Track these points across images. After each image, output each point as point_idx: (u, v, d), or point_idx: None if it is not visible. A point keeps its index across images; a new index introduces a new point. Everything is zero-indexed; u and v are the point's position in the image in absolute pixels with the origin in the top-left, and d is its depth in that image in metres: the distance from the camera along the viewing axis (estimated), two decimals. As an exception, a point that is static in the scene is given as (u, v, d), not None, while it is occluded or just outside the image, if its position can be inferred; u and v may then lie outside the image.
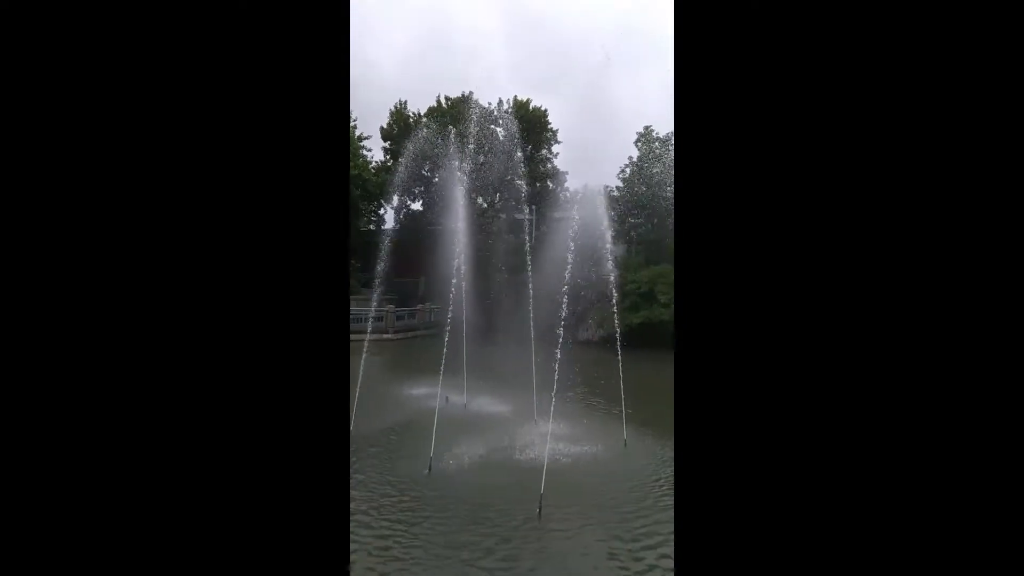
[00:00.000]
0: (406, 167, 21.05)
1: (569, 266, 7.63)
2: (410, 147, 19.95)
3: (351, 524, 5.57)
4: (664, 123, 24.73)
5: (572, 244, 7.89)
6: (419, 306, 22.98)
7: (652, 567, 4.96)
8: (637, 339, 16.32)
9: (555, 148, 28.25)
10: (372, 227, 28.69)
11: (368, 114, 33.04)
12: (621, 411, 8.91)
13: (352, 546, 5.09)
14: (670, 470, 7.32)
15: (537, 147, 27.36)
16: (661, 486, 6.89)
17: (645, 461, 7.65)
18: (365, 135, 28.76)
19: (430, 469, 7.03)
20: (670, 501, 6.43)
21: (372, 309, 14.43)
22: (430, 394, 9.93)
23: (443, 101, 27.55)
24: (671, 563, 4.95)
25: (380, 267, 11.61)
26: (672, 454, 7.76)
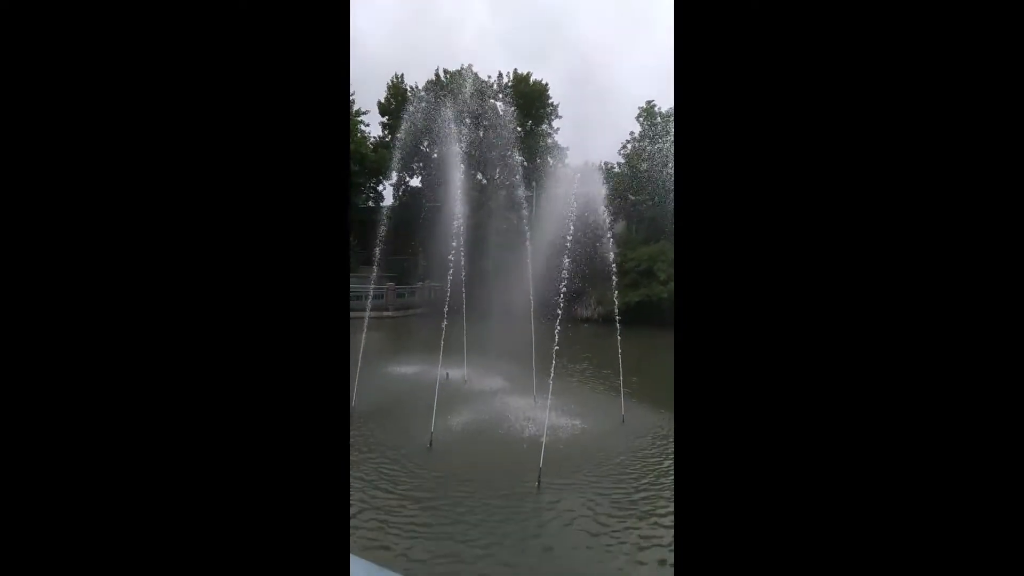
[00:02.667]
0: (403, 143, 20.72)
1: (568, 243, 7.61)
2: (406, 122, 19.58)
3: (355, 501, 5.70)
4: (666, 98, 24.28)
5: (571, 222, 7.85)
6: (418, 284, 23.00)
7: (649, 538, 5.09)
8: (636, 317, 16.41)
9: (555, 123, 27.83)
10: (371, 204, 28.45)
11: (360, 87, 31.79)
12: (619, 387, 9.02)
13: (353, 521, 5.23)
14: (666, 445, 7.46)
15: (537, 122, 26.94)
16: (658, 461, 7.03)
17: (642, 436, 7.78)
18: (363, 110, 28.29)
19: (431, 444, 7.15)
20: (667, 474, 6.58)
21: (371, 287, 14.43)
22: (430, 371, 10.04)
23: (442, 74, 26.99)
24: (667, 535, 5.09)
25: (379, 244, 11.56)
26: (669, 430, 7.94)
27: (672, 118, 23.31)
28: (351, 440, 7.22)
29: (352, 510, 5.40)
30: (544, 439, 6.50)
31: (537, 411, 8.23)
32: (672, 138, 21.57)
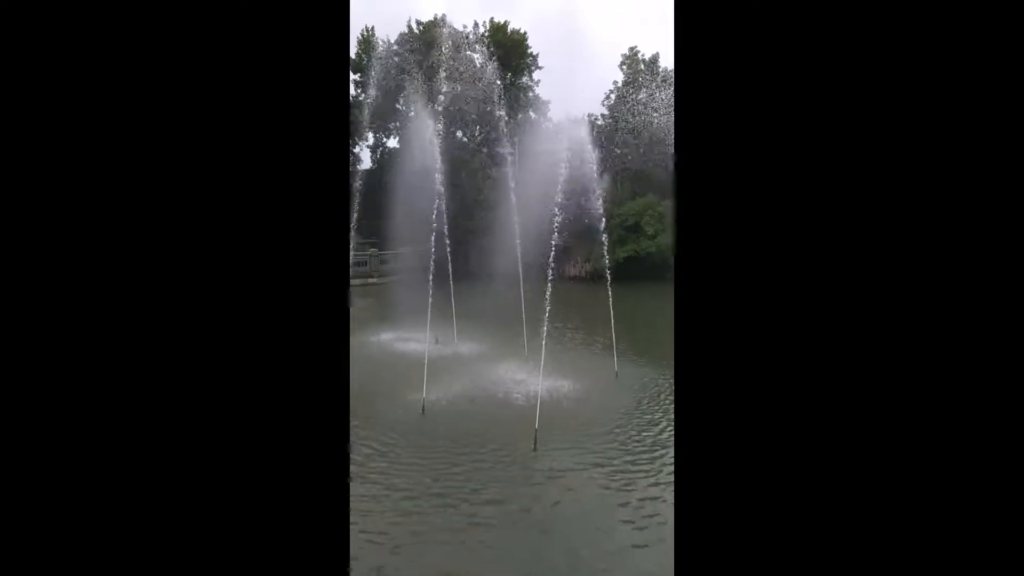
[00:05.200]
0: (376, 102, 19.73)
1: (558, 200, 7.30)
2: (379, 79, 18.55)
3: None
4: (649, 45, 23.38)
5: (559, 177, 7.53)
6: (402, 248, 22.52)
7: (645, 495, 5.10)
8: (624, 272, 16.31)
9: (536, 75, 26.76)
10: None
11: None
12: (612, 344, 8.97)
13: (352, 498, 5.14)
14: (660, 398, 7.48)
15: (517, 74, 25.86)
16: (651, 413, 7.04)
17: (636, 390, 7.79)
18: (332, 67, 26.77)
19: (424, 410, 7.05)
20: (662, 427, 6.60)
21: (352, 253, 14.04)
22: (419, 336, 9.87)
23: (414, 26, 25.56)
24: (664, 492, 5.10)
25: (358, 209, 11.12)
26: (662, 384, 7.95)
27: (656, 67, 22.54)
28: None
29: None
30: (539, 399, 6.42)
31: (530, 372, 8.15)
32: (658, 87, 20.90)
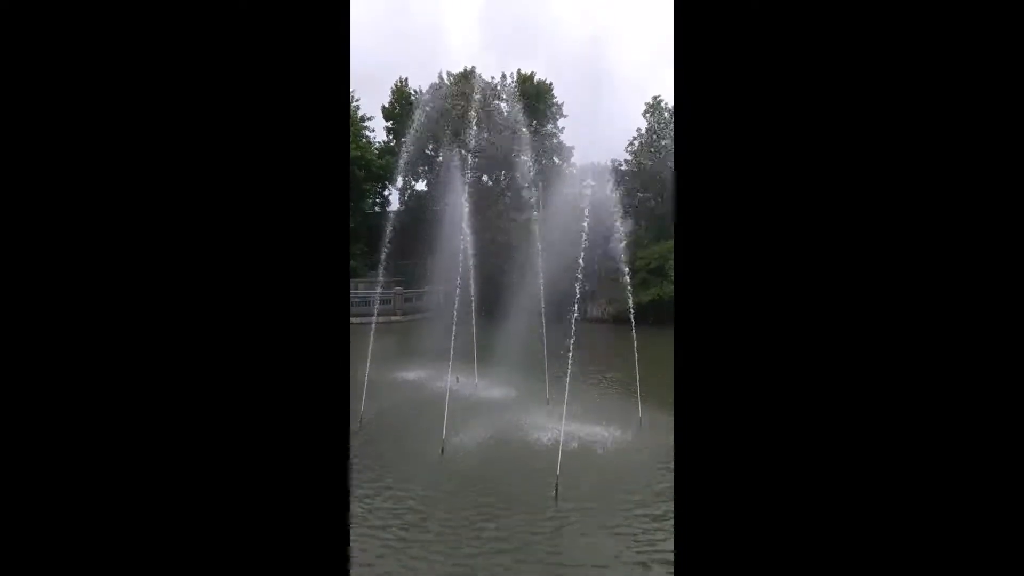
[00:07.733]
0: (408, 148, 20.59)
1: (584, 243, 7.34)
2: (412, 128, 19.39)
3: (362, 513, 5.49)
4: (672, 92, 24.01)
5: (585, 222, 7.60)
6: (426, 288, 22.81)
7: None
8: (648, 316, 16.08)
9: (560, 123, 27.60)
10: (377, 209, 28.36)
11: (362, 93, 31.11)
12: (636, 390, 8.75)
13: (367, 533, 5.01)
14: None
15: (542, 122, 26.72)
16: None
17: (662, 440, 7.50)
18: (367, 116, 28.22)
19: (443, 451, 6.93)
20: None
21: (379, 292, 14.26)
22: (440, 375, 9.83)
23: (445, 77, 26.89)
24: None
25: (386, 249, 11.41)
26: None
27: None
28: (360, 449, 7.02)
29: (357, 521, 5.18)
30: (560, 446, 6.25)
31: (551, 416, 7.98)
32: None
